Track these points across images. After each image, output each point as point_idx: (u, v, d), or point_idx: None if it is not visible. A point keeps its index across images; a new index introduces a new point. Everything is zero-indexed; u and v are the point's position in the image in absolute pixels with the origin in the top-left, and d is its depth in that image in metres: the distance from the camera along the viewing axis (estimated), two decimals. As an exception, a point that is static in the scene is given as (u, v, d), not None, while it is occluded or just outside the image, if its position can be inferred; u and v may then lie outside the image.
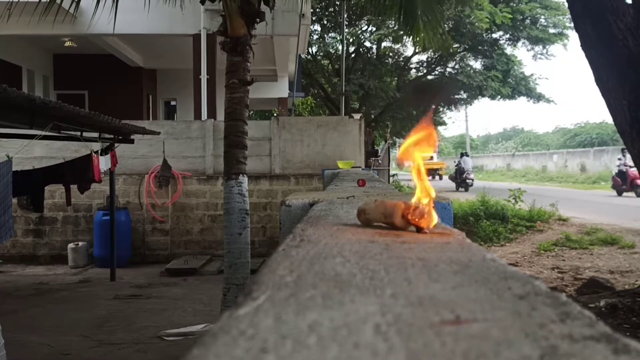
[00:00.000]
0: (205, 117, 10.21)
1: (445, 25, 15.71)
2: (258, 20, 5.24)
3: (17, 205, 8.13)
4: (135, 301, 6.69)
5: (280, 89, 17.69)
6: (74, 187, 7.19)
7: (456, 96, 22.44)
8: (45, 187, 7.33)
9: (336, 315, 0.45)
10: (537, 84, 22.07)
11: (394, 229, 1.00)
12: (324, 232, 0.92)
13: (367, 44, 21.79)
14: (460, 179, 22.75)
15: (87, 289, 7.41)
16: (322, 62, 22.48)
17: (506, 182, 29.46)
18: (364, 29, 20.77)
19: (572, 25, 8.19)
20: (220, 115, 8.46)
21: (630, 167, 16.75)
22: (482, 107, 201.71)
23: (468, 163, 23.09)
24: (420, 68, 23.44)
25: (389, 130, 23.64)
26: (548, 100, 22.18)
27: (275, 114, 16.32)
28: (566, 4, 6.91)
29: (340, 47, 19.09)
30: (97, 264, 8.71)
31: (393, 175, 22.45)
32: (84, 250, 8.87)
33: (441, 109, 24.62)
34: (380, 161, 16.79)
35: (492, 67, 20.56)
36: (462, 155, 24.35)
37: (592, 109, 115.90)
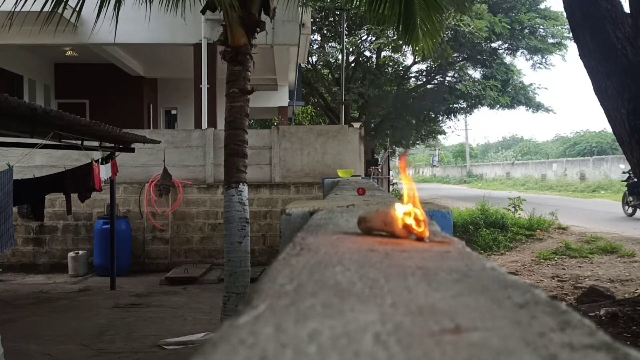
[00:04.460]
0: (206, 126, 10.23)
1: (445, 35, 15.82)
2: (258, 30, 5.27)
3: (17, 213, 8.12)
4: (135, 310, 6.67)
5: (281, 98, 17.73)
6: (74, 196, 7.18)
7: (455, 105, 22.55)
8: (46, 196, 7.33)
9: (336, 324, 0.45)
10: (536, 93, 22.13)
11: (394, 237, 1.00)
12: (324, 241, 0.92)
13: (367, 53, 21.88)
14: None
15: (87, 297, 7.39)
16: (322, 71, 22.55)
17: (506, 191, 29.45)
18: (363, 38, 20.85)
19: (570, 35, 8.22)
20: (221, 124, 8.47)
21: None
22: (481, 116, 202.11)
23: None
24: (420, 77, 23.51)
25: (389, 139, 23.68)
26: (547, 110, 22.23)
27: (275, 123, 16.35)
28: (565, 14, 6.94)
29: (340, 57, 19.16)
30: (97, 272, 8.70)
31: (393, 184, 22.46)
32: (84, 259, 8.86)
33: (440, 118, 24.72)
34: (380, 170, 16.81)
35: (491, 77, 20.62)
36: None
37: (592, 117, 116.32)
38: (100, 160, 7.23)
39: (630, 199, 14.51)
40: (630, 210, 14.78)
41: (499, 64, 20.86)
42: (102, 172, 7.10)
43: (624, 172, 15.69)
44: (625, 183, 15.03)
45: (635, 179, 13.52)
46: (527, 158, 50.04)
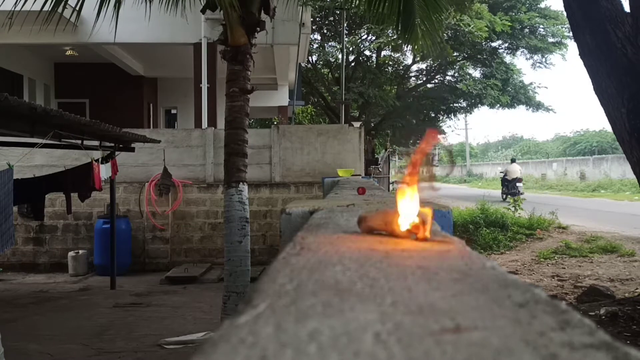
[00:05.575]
0: (206, 126, 10.23)
1: (445, 35, 15.81)
2: (258, 29, 5.27)
3: (17, 213, 8.13)
4: (135, 309, 6.67)
5: (281, 98, 17.73)
6: (74, 196, 7.19)
7: (455, 104, 22.64)
8: (46, 196, 7.33)
9: (336, 324, 0.45)
10: (536, 92, 22.15)
11: (395, 237, 1.00)
12: (324, 240, 0.92)
13: (367, 52, 21.88)
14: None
15: (87, 297, 7.39)
16: (322, 70, 22.55)
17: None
18: (363, 37, 20.86)
19: (570, 34, 8.23)
20: (221, 123, 8.47)
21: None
22: (481, 115, 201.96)
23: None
24: (420, 76, 23.52)
25: (389, 138, 23.69)
26: (547, 109, 22.24)
27: (275, 122, 16.35)
28: (565, 13, 6.94)
29: (340, 56, 19.16)
30: (97, 272, 8.70)
31: (393, 183, 22.45)
32: (84, 258, 8.86)
33: (440, 117, 24.75)
34: (380, 169, 16.81)
35: (491, 76, 20.62)
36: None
37: (592, 116, 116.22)
38: (100, 160, 7.24)
39: (503, 189, 22.04)
40: (503, 196, 21.45)
41: (499, 63, 20.87)
42: (102, 171, 7.10)
43: (500, 172, 23.84)
44: (500, 179, 23.26)
45: (506, 177, 21.99)
46: (527, 157, 50.01)
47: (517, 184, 21.52)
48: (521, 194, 20.50)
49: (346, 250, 0.82)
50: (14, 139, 6.37)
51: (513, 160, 24.15)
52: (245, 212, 5.00)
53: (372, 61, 21.95)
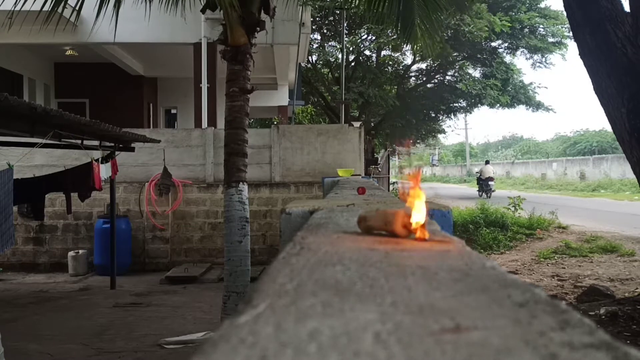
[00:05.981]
0: (206, 126, 10.23)
1: (445, 34, 15.81)
2: (258, 29, 5.27)
3: (17, 213, 8.13)
4: (135, 309, 6.67)
5: (281, 98, 17.72)
6: (74, 195, 7.18)
7: (455, 104, 22.68)
8: (46, 195, 7.33)
9: (336, 323, 0.45)
10: (536, 92, 22.15)
11: (395, 237, 1.00)
12: (324, 240, 0.92)
13: (367, 52, 21.88)
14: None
15: (87, 297, 7.39)
16: (322, 70, 22.54)
17: (506, 190, 29.47)
18: (363, 37, 20.86)
19: (570, 34, 8.22)
20: (221, 123, 8.47)
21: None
22: (481, 115, 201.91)
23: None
24: (420, 76, 23.51)
25: (389, 138, 23.68)
26: (547, 109, 22.24)
27: (275, 122, 16.34)
28: (565, 13, 6.94)
29: (340, 56, 19.15)
30: (97, 271, 8.70)
31: (393, 183, 22.48)
32: (84, 258, 8.86)
33: (440, 117, 24.79)
34: (380, 169, 16.80)
35: (491, 76, 20.61)
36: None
37: (592, 116, 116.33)
38: (100, 160, 7.23)
39: (478, 187, 25.55)
40: (480, 193, 24.87)
41: (499, 63, 20.86)
42: (102, 171, 7.10)
43: (476, 172, 28.15)
44: (476, 179, 27.00)
45: (481, 177, 25.32)
46: (527, 157, 50.03)
47: (490, 182, 24.58)
48: (493, 191, 24.37)
49: (346, 250, 0.82)
50: (14, 139, 6.37)
51: (487, 162, 27.10)
52: (245, 212, 5.00)
53: (372, 61, 21.94)
